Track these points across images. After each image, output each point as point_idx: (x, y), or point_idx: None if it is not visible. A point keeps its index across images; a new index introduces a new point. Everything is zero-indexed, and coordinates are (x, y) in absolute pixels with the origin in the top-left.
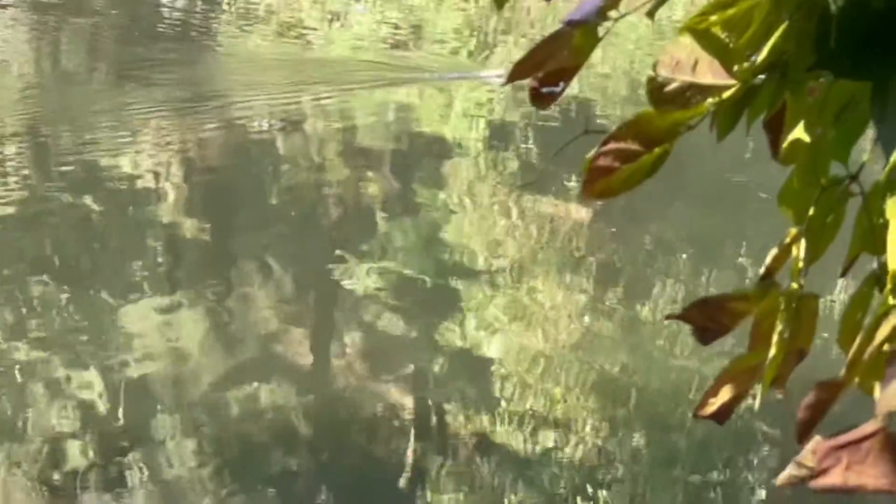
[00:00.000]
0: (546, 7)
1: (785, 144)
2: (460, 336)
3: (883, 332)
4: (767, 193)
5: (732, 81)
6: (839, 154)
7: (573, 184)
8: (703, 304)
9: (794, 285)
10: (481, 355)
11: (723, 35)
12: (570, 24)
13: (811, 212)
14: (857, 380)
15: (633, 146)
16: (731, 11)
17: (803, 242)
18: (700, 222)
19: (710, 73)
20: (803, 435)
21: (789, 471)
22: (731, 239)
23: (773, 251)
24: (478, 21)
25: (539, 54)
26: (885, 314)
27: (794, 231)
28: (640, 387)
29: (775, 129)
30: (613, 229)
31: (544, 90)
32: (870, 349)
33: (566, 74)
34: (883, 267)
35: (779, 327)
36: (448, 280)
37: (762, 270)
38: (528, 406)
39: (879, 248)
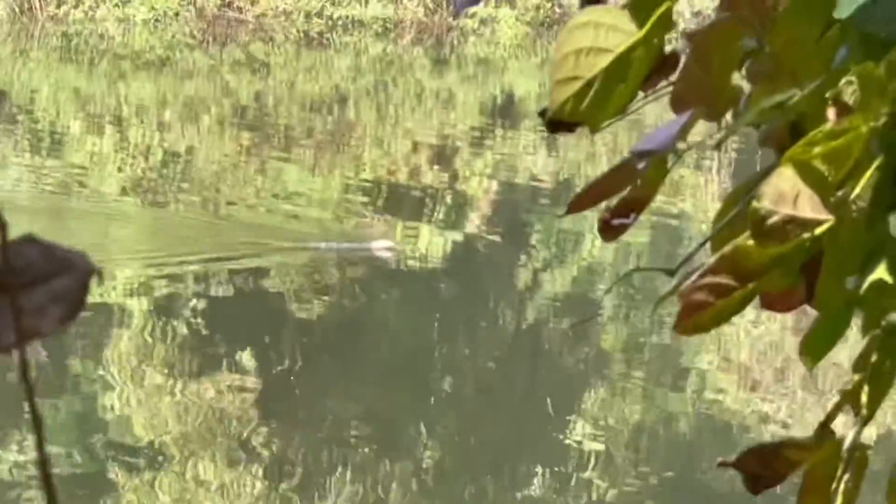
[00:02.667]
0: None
1: (822, 289)
2: None
3: None
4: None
5: (829, 216)
6: (863, 302)
7: (248, 360)
8: (759, 452)
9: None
10: None
11: (823, 168)
12: (641, 155)
13: (874, 358)
14: None
15: (727, 280)
16: (833, 143)
17: (866, 390)
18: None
19: (809, 207)
20: None
21: None
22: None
23: (835, 399)
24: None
25: (602, 186)
26: None
27: (857, 378)
28: None
29: (812, 274)
30: (283, 409)
31: (615, 222)
32: None
33: (637, 206)
34: None
35: (845, 478)
36: (104, 462)
37: (823, 418)
38: None
39: None
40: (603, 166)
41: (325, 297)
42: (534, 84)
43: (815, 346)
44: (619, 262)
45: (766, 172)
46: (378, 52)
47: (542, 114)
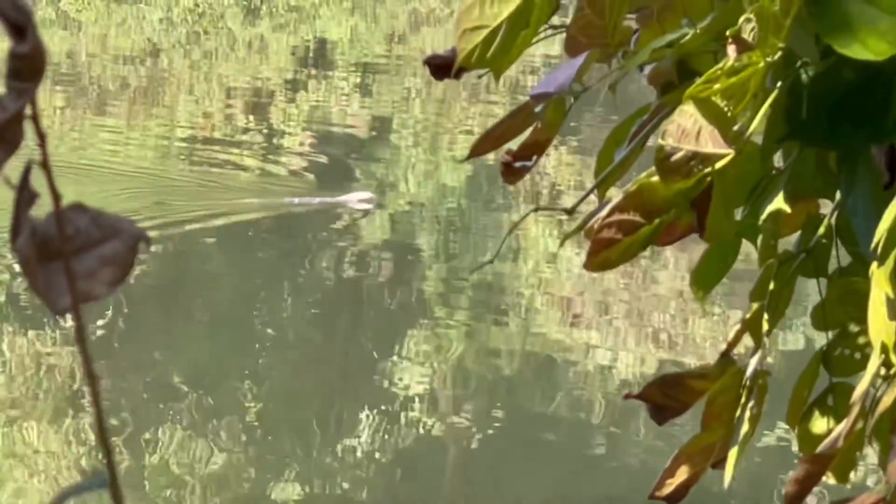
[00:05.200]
0: None
1: (712, 221)
2: None
3: (888, 400)
4: None
5: (729, 150)
6: (749, 233)
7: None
8: (663, 383)
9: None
10: None
11: (722, 103)
12: (540, 97)
13: (771, 286)
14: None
15: (635, 217)
16: (732, 79)
17: (765, 317)
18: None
19: (710, 141)
20: None
21: None
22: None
23: (736, 328)
24: None
25: (501, 129)
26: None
27: (755, 307)
28: None
29: (702, 207)
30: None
31: (517, 164)
32: (876, 416)
33: (539, 148)
34: (832, 344)
35: (750, 403)
36: None
37: (724, 347)
38: None
39: (830, 324)
40: (416, 109)
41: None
42: (345, 30)
43: (705, 277)
44: (437, 201)
45: (648, 115)
46: (189, 3)
47: (427, 62)
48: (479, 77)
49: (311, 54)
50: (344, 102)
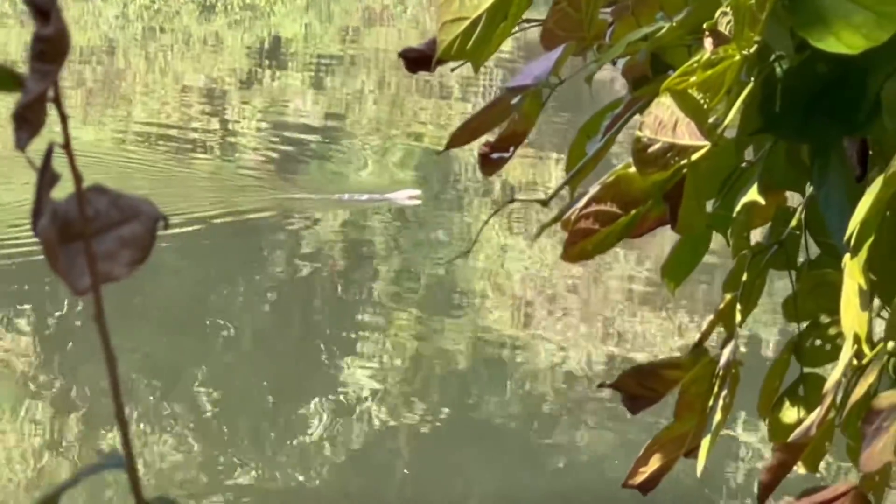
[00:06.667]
0: None
1: (684, 213)
2: None
3: (860, 391)
4: None
5: (706, 143)
6: (720, 225)
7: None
8: (638, 372)
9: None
10: None
11: (699, 96)
12: (516, 89)
13: (744, 278)
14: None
15: (612, 208)
16: (709, 72)
17: (738, 307)
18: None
19: (687, 133)
20: (765, 497)
21: None
22: None
23: (709, 318)
24: None
25: (477, 122)
26: (855, 373)
27: (728, 297)
28: None
29: (674, 199)
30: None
31: (494, 156)
32: (847, 406)
33: (516, 139)
34: (804, 335)
35: (723, 392)
36: None
37: (697, 337)
38: None
39: (802, 316)
40: (369, 103)
41: None
42: (300, 27)
43: (675, 270)
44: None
45: (621, 108)
46: (145, 0)
47: (402, 55)
48: (453, 69)
49: (265, 49)
50: (299, 96)
